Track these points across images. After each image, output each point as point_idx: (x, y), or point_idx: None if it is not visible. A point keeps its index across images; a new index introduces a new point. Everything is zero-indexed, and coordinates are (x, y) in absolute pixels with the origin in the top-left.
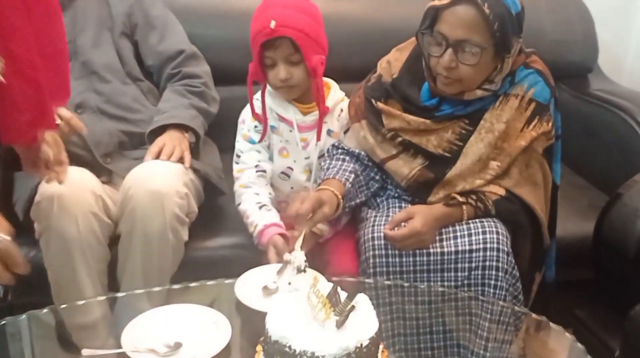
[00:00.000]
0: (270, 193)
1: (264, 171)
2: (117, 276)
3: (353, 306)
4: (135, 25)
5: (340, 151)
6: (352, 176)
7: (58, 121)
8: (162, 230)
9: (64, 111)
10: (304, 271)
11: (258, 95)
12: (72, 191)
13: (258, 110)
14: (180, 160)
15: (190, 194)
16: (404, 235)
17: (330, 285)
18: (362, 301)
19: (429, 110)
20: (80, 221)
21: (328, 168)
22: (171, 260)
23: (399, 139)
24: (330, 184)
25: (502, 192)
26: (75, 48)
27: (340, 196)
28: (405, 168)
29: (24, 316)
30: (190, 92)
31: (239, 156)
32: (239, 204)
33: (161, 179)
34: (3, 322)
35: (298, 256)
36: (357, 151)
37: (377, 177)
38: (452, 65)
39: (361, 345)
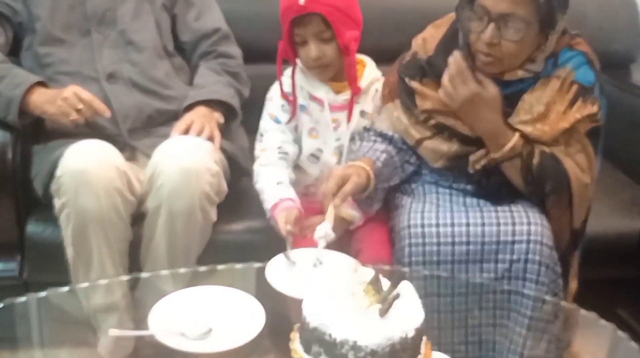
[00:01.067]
0: (290, 175)
1: (286, 154)
2: (141, 256)
3: (398, 294)
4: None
5: (372, 133)
6: (384, 155)
7: (79, 105)
8: (191, 208)
9: (84, 93)
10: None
11: (288, 72)
12: (95, 166)
13: (287, 89)
14: (210, 139)
15: (221, 173)
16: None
17: (372, 271)
18: (407, 289)
19: None
20: (102, 196)
21: (358, 150)
22: (198, 240)
23: (433, 121)
24: (360, 160)
25: (548, 151)
26: (114, 17)
27: (370, 170)
28: (440, 152)
29: (44, 293)
30: (226, 71)
31: (262, 135)
32: (257, 182)
33: (193, 155)
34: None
35: (327, 232)
36: (390, 133)
37: (412, 160)
38: (494, 41)
39: (406, 335)
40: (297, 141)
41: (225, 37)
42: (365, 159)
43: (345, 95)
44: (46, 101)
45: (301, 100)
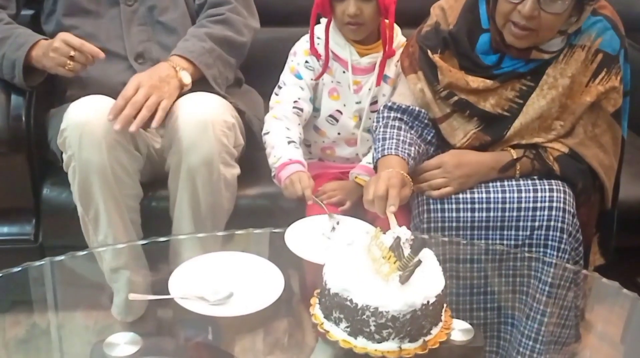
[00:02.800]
0: (300, 134)
1: (301, 110)
2: (170, 217)
3: (419, 261)
4: None
5: (393, 113)
6: (413, 149)
7: (71, 52)
8: (210, 160)
9: (73, 39)
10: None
11: (317, 32)
12: (97, 117)
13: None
14: (148, 123)
15: (237, 126)
16: (429, 164)
17: (393, 237)
18: (428, 256)
19: (488, 67)
20: (104, 148)
21: (384, 138)
22: (224, 196)
23: (455, 98)
24: (393, 163)
25: (565, 149)
26: None
27: (408, 177)
28: (460, 131)
29: (64, 257)
30: (211, 21)
31: (280, 88)
32: (267, 133)
33: (208, 108)
34: (37, 263)
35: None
36: (415, 108)
37: (434, 137)
38: (534, 14)
39: (428, 302)
40: (314, 101)
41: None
42: (398, 162)
43: (370, 58)
44: (43, 55)
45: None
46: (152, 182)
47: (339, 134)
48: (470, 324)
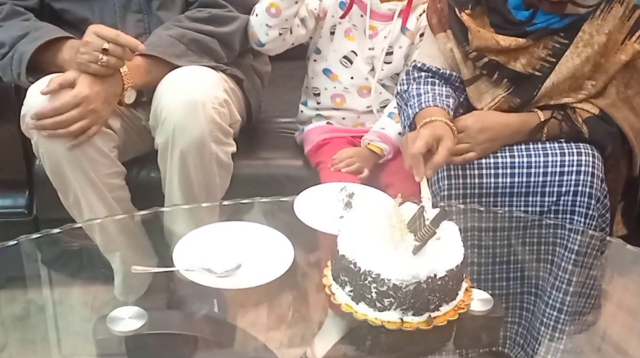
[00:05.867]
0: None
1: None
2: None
3: (434, 232)
4: None
5: (424, 74)
6: (451, 100)
7: (105, 44)
8: (201, 142)
9: (107, 30)
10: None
11: None
12: None
13: None
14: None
15: (232, 102)
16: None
17: (416, 206)
18: (450, 229)
19: (520, 23)
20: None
21: (419, 94)
22: (218, 174)
23: (484, 60)
24: (434, 113)
25: (595, 111)
26: None
27: (453, 126)
28: (488, 95)
29: (59, 230)
30: (189, 17)
31: None
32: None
33: (196, 86)
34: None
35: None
36: (446, 70)
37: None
38: None
39: (435, 275)
40: (318, 41)
41: None
42: (439, 111)
43: (390, 5)
44: (71, 60)
45: None
46: (146, 155)
47: (352, 78)
48: (492, 294)
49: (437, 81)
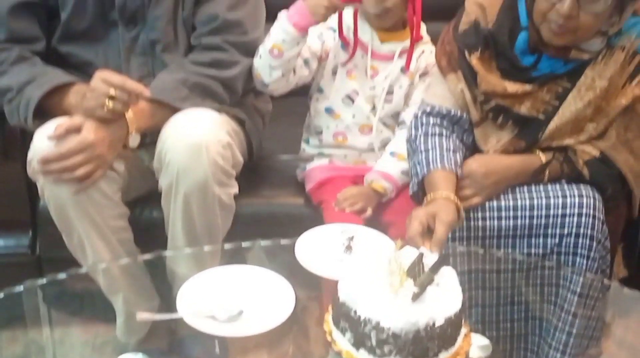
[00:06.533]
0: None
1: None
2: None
3: (432, 279)
4: None
5: (432, 119)
6: (458, 155)
7: (111, 91)
8: (204, 184)
9: (114, 77)
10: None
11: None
12: None
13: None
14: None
15: (234, 144)
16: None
17: (417, 251)
18: (448, 275)
19: (526, 69)
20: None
21: (427, 149)
22: (220, 216)
23: (492, 103)
24: (439, 182)
25: (596, 153)
26: (144, 17)
27: (457, 201)
28: (493, 137)
29: (64, 275)
30: (194, 63)
31: None
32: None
33: (200, 129)
34: (25, 284)
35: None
36: (457, 112)
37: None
38: (572, 14)
39: (434, 323)
40: (320, 81)
41: (221, 28)
42: (447, 181)
43: (390, 45)
44: (77, 104)
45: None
46: (149, 195)
47: (353, 117)
48: (496, 336)
49: (445, 131)
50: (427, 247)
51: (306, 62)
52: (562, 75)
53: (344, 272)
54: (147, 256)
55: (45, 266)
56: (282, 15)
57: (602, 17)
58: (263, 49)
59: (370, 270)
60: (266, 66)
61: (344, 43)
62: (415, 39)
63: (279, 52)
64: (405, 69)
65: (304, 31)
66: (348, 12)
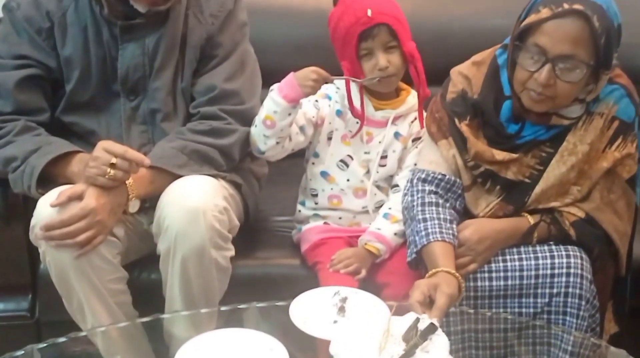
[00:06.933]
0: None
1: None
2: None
3: (415, 345)
4: None
5: (427, 187)
6: (454, 225)
7: (113, 159)
8: (202, 249)
9: (115, 146)
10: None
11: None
12: None
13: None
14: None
15: (231, 208)
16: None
17: (413, 317)
18: (440, 344)
19: (511, 136)
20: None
21: (425, 219)
22: (217, 279)
23: (480, 169)
24: (440, 255)
25: (581, 214)
26: (145, 88)
27: (458, 277)
28: (483, 201)
29: (63, 339)
30: (193, 131)
31: None
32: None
33: (197, 194)
34: (26, 349)
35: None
36: (451, 177)
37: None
38: (550, 82)
39: None
40: (316, 146)
41: (219, 98)
42: (447, 253)
43: (384, 113)
44: (79, 172)
45: (341, 106)
46: (147, 258)
47: (348, 180)
48: None
49: (440, 200)
50: (428, 316)
51: (302, 128)
52: (545, 141)
53: (336, 333)
54: (145, 318)
55: (44, 330)
56: (274, 87)
57: (578, 86)
58: (258, 119)
59: (360, 331)
60: (261, 135)
61: (358, 117)
62: (424, 97)
63: (271, 122)
64: (398, 134)
65: (294, 103)
66: (340, 84)
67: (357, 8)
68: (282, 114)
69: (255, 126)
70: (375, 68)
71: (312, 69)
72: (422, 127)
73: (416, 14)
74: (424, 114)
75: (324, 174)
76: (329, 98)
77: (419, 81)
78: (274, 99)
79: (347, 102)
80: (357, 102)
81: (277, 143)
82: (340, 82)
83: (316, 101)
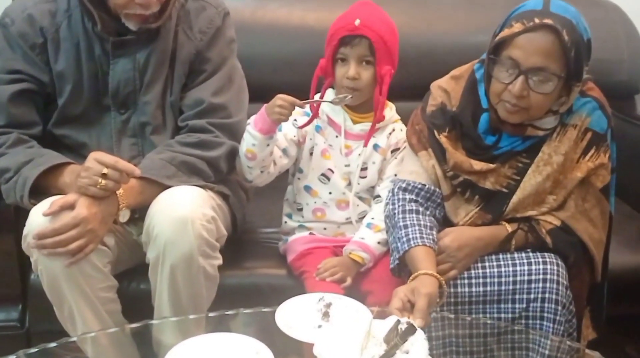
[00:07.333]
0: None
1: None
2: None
3: (395, 346)
4: None
5: (408, 195)
6: (434, 231)
7: (104, 170)
8: (190, 257)
9: (106, 157)
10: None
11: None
12: None
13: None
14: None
15: (218, 218)
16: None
17: (394, 319)
18: (420, 345)
19: (488, 147)
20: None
21: (406, 226)
22: (205, 287)
23: (460, 179)
24: (421, 259)
25: (557, 222)
26: (135, 101)
27: (437, 276)
28: (462, 210)
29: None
30: (180, 142)
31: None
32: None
33: (186, 204)
34: (18, 354)
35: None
36: (431, 187)
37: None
38: (523, 94)
39: None
40: (299, 162)
41: (206, 112)
42: (428, 257)
43: (362, 126)
44: (71, 183)
45: (319, 122)
46: (136, 268)
47: (330, 193)
48: None
49: (420, 208)
50: (411, 319)
51: (285, 151)
52: (521, 151)
53: (320, 336)
54: (135, 325)
55: (34, 339)
56: (251, 121)
57: (551, 97)
58: (240, 153)
59: (343, 333)
60: (245, 166)
61: (311, 109)
62: (378, 119)
63: (252, 155)
64: (377, 146)
65: (270, 133)
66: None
67: (349, 15)
68: (260, 146)
69: (240, 158)
70: (344, 76)
71: (278, 96)
72: (365, 145)
73: (402, 31)
74: (385, 132)
75: (307, 188)
76: (308, 115)
77: (378, 104)
78: (251, 133)
79: (325, 117)
80: (336, 116)
81: (262, 171)
82: (314, 97)
83: (295, 119)
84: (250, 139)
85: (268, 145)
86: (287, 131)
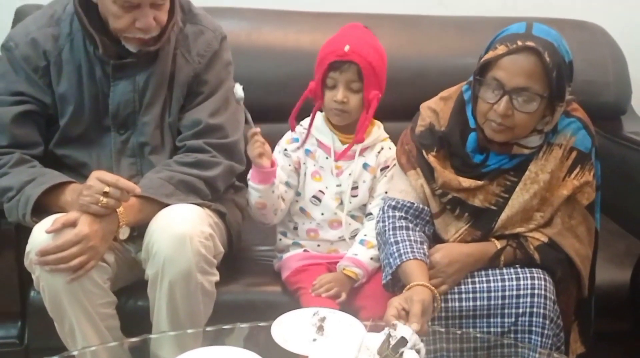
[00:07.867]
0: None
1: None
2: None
3: (387, 357)
4: None
5: (398, 213)
6: (425, 246)
7: (105, 188)
8: (188, 273)
9: (107, 175)
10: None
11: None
12: None
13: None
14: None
15: (216, 235)
16: None
17: (386, 332)
18: (408, 354)
19: (476, 165)
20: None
21: (397, 242)
22: (203, 303)
23: (449, 196)
24: (414, 271)
25: (544, 239)
26: (135, 122)
27: (430, 287)
28: (452, 227)
29: None
30: (178, 161)
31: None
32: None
33: (184, 221)
34: None
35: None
36: (419, 205)
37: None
38: (508, 113)
39: None
40: (296, 187)
41: (204, 132)
42: (420, 270)
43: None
44: (72, 201)
45: (309, 145)
46: (134, 285)
47: (322, 214)
48: None
49: (410, 225)
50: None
51: (287, 184)
52: (509, 170)
53: (315, 349)
54: (134, 339)
55: (33, 356)
56: (249, 177)
57: (535, 116)
58: (252, 210)
59: (337, 345)
60: (260, 217)
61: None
62: (357, 140)
63: (262, 205)
64: (366, 164)
65: (269, 182)
66: (318, 119)
67: (339, 41)
68: (266, 195)
69: (251, 210)
70: (332, 99)
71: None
72: (336, 159)
73: (394, 53)
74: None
75: (302, 210)
76: (296, 141)
77: (360, 127)
78: (254, 187)
79: (315, 141)
80: (325, 138)
81: (275, 213)
82: (305, 122)
83: (285, 149)
84: (255, 193)
85: (273, 192)
86: (282, 164)
